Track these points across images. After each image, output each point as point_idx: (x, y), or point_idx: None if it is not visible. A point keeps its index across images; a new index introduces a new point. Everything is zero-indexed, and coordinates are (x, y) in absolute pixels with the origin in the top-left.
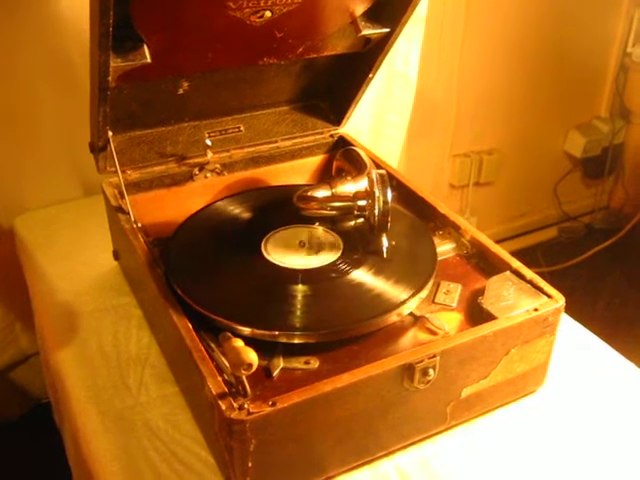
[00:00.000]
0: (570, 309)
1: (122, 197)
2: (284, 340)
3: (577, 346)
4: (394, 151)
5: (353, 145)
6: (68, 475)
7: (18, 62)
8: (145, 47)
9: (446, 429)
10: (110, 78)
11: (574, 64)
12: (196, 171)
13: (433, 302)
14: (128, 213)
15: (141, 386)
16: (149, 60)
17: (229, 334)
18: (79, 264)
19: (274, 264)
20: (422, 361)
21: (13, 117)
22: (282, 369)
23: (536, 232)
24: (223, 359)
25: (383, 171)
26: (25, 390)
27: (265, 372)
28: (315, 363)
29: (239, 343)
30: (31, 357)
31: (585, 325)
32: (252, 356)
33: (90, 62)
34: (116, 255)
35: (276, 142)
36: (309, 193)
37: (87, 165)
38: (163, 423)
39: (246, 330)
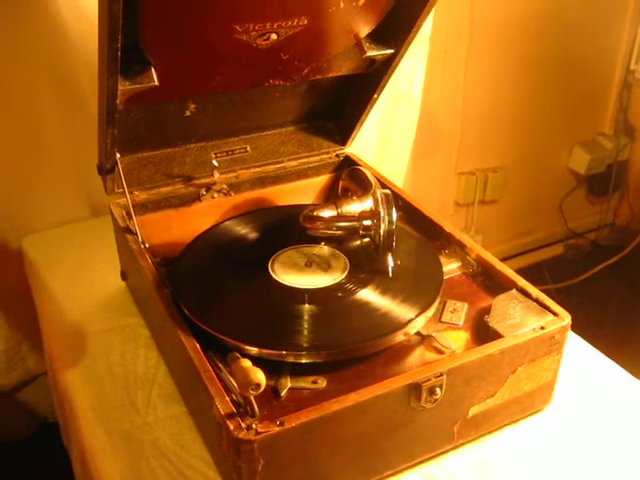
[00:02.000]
0: (576, 326)
1: (130, 218)
2: (291, 360)
3: (584, 364)
4: (399, 170)
5: (359, 165)
6: None
7: (27, 84)
8: (153, 70)
9: (453, 448)
10: (118, 101)
11: (578, 81)
12: (203, 191)
13: (439, 321)
14: (136, 234)
15: (149, 406)
16: (157, 83)
17: (237, 354)
18: (87, 284)
19: (281, 284)
20: (429, 380)
21: (22, 139)
22: (290, 389)
23: (542, 249)
24: (231, 379)
25: (388, 191)
26: (32, 410)
27: (273, 392)
28: (322, 382)
29: (247, 363)
30: (39, 377)
31: (591, 342)
32: (260, 376)
33: (98, 85)
34: (124, 275)
35: (282, 162)
36: (315, 213)
37: (95, 186)
38: (171, 443)
39: (253, 350)
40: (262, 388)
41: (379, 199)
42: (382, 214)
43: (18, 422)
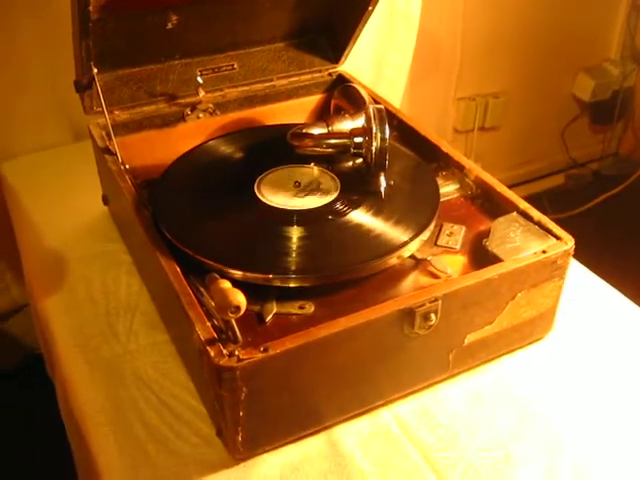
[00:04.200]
0: (577, 258)
1: (109, 138)
2: (278, 284)
3: (586, 291)
4: (396, 94)
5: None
6: (62, 427)
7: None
8: None
9: (448, 377)
10: (91, 8)
11: (584, 4)
12: (188, 111)
13: (435, 244)
14: (115, 154)
15: (130, 334)
16: None
17: (216, 275)
18: (68, 210)
19: (268, 205)
20: (423, 305)
21: None
22: (275, 314)
23: (543, 179)
24: (212, 303)
25: (381, 106)
26: (19, 340)
27: (257, 317)
28: (310, 308)
29: (226, 284)
30: (24, 307)
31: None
32: (240, 298)
33: None
34: (105, 200)
35: (272, 81)
36: (304, 130)
37: (77, 109)
38: (153, 372)
39: (238, 273)
40: (242, 311)
41: (371, 115)
42: (374, 130)
43: (5, 353)
